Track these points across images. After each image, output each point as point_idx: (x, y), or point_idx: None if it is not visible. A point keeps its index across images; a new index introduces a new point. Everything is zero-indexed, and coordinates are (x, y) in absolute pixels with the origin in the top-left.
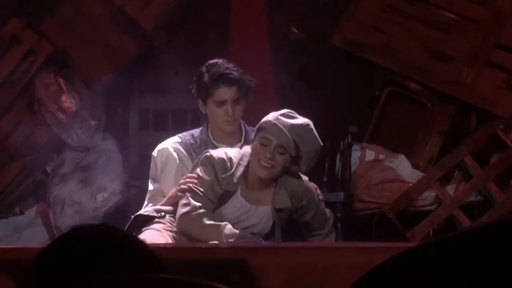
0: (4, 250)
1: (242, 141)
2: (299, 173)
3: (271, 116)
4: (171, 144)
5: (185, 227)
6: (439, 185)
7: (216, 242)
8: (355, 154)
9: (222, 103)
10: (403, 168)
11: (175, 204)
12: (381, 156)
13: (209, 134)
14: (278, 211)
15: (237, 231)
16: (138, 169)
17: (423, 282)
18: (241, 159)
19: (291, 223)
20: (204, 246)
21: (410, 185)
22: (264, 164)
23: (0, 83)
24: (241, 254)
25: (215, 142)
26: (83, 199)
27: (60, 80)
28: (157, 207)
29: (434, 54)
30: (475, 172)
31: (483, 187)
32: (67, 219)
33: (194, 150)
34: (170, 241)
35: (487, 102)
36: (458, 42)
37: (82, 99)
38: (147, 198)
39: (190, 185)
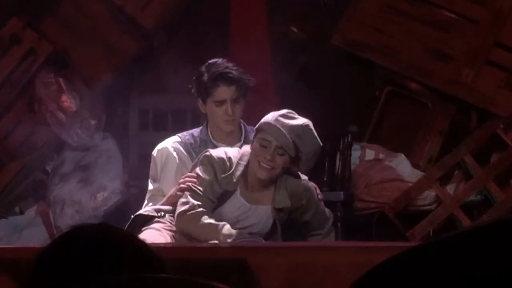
0: (4, 249)
1: (242, 141)
2: (299, 173)
3: (270, 117)
4: (171, 144)
5: (183, 226)
6: (439, 184)
7: (216, 241)
8: (355, 153)
9: (221, 102)
10: (403, 167)
11: (174, 204)
12: (381, 156)
13: (209, 133)
14: (278, 210)
15: (235, 231)
16: (138, 169)
17: (423, 282)
18: (240, 158)
19: (290, 223)
20: (204, 245)
21: (410, 184)
22: (264, 165)
23: (0, 82)
24: (241, 253)
25: (214, 142)
26: (83, 199)
27: (60, 79)
28: (157, 206)
29: (434, 53)
30: (475, 171)
31: (483, 187)
32: (67, 219)
33: (194, 149)
34: (170, 240)
35: (487, 101)
36: (458, 41)
37: (82, 98)
38: (147, 197)
39: (190, 184)
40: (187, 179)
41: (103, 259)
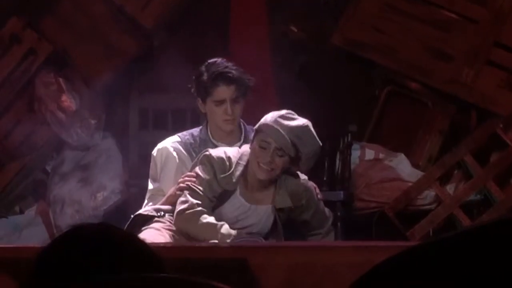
0: (4, 249)
1: (242, 140)
2: (298, 172)
3: (269, 118)
4: (170, 144)
5: (182, 225)
6: (439, 184)
7: (216, 241)
8: (355, 153)
9: (221, 102)
10: (403, 167)
11: (174, 203)
12: (381, 155)
13: (209, 133)
14: (278, 210)
15: (233, 231)
16: (138, 168)
17: (423, 281)
18: (240, 158)
19: (290, 222)
20: (204, 245)
21: (410, 184)
22: (264, 167)
23: (0, 82)
24: (241, 253)
25: (214, 141)
26: (83, 198)
27: (60, 79)
28: (157, 206)
29: (434, 53)
30: (475, 171)
31: (483, 186)
32: (67, 218)
33: (194, 149)
34: (169, 240)
35: (487, 101)
36: (458, 41)
37: (82, 98)
38: (147, 197)
39: (189, 183)
40: (186, 178)
41: (103, 258)
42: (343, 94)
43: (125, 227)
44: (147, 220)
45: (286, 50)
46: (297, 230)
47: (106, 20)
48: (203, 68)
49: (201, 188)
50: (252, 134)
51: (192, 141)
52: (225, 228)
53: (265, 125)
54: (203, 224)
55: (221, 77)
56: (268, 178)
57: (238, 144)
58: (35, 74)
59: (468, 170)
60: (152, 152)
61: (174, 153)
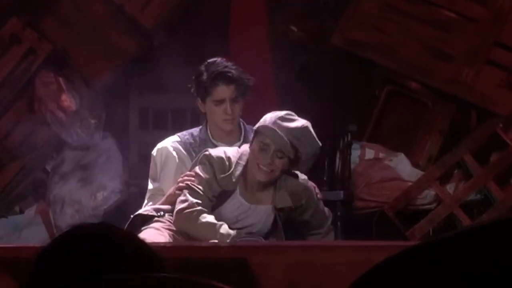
0: (4, 249)
1: (241, 140)
2: (298, 172)
3: (268, 119)
4: (170, 143)
5: (181, 224)
6: (439, 184)
7: (216, 240)
8: (355, 152)
9: (220, 101)
10: (403, 166)
11: (173, 203)
12: (381, 155)
13: (208, 133)
14: (278, 210)
15: (232, 231)
16: (138, 168)
17: (423, 281)
18: (239, 158)
19: (289, 222)
20: (204, 244)
21: (410, 183)
22: (264, 168)
23: (0, 82)
24: (241, 253)
25: (214, 141)
26: (83, 198)
27: (60, 79)
28: (156, 206)
29: (434, 53)
30: (475, 170)
31: (483, 186)
32: (67, 218)
33: (194, 149)
34: (169, 240)
35: (487, 100)
36: (458, 41)
37: (82, 98)
38: (146, 197)
39: (188, 183)
40: (186, 178)
41: (103, 258)
42: (343, 94)
43: (125, 227)
44: (146, 220)
45: (286, 50)
46: (296, 230)
47: (106, 20)
48: (202, 67)
49: (200, 188)
50: (252, 134)
51: (191, 141)
52: (224, 228)
53: (264, 127)
54: (203, 224)
55: (221, 76)
56: (268, 180)
57: (238, 144)
58: (35, 74)
59: (468, 169)
60: (152, 152)
61: (174, 153)
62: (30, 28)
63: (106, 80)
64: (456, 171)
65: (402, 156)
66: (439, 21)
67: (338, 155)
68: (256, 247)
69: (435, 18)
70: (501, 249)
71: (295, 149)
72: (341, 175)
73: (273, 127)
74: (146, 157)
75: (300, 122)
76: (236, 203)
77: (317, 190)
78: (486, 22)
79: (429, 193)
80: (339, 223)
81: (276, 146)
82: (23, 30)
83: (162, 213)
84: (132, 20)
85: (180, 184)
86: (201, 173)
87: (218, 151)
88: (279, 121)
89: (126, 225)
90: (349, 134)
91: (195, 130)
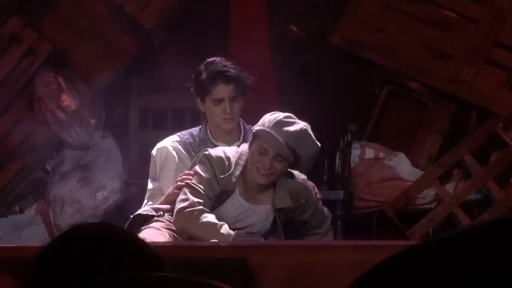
0: (4, 248)
1: (241, 140)
2: (298, 172)
3: (267, 123)
4: (170, 143)
5: (182, 223)
6: (439, 183)
7: (216, 240)
8: (355, 152)
9: (220, 101)
10: (403, 166)
11: (173, 202)
12: (380, 154)
13: (208, 132)
14: (278, 210)
15: (233, 232)
16: (138, 168)
17: (423, 281)
18: (239, 158)
19: (288, 222)
20: (204, 244)
21: (410, 183)
22: (263, 172)
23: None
24: (241, 252)
25: (213, 141)
26: (83, 198)
27: (60, 78)
28: (155, 206)
29: (434, 53)
30: (475, 170)
31: (483, 185)
32: (67, 218)
33: (193, 148)
34: (169, 239)
35: (487, 100)
36: (458, 40)
37: (82, 97)
38: (146, 196)
39: (188, 182)
40: (184, 177)
41: (103, 258)
42: (343, 94)
43: (125, 227)
44: (146, 220)
45: (286, 50)
46: (296, 230)
47: (106, 20)
48: (201, 67)
49: (201, 187)
50: (251, 134)
51: (191, 140)
52: (225, 229)
53: (263, 131)
54: (204, 223)
55: (220, 76)
56: (267, 183)
57: (237, 143)
58: (35, 74)
59: (468, 169)
60: (152, 152)
61: (174, 153)
62: (30, 28)
63: (106, 80)
64: (456, 170)
65: (402, 156)
66: (439, 21)
67: (338, 154)
68: (256, 246)
69: (435, 18)
70: (501, 249)
71: (294, 153)
72: (341, 175)
73: (271, 131)
74: (146, 157)
75: (299, 125)
76: (235, 203)
77: (316, 190)
78: (486, 22)
79: (429, 193)
80: (339, 223)
81: (275, 151)
82: (23, 30)
83: (161, 212)
84: (132, 20)
85: (179, 183)
86: (201, 172)
87: (217, 151)
88: (277, 125)
89: (126, 225)
90: (349, 133)
91: (195, 130)
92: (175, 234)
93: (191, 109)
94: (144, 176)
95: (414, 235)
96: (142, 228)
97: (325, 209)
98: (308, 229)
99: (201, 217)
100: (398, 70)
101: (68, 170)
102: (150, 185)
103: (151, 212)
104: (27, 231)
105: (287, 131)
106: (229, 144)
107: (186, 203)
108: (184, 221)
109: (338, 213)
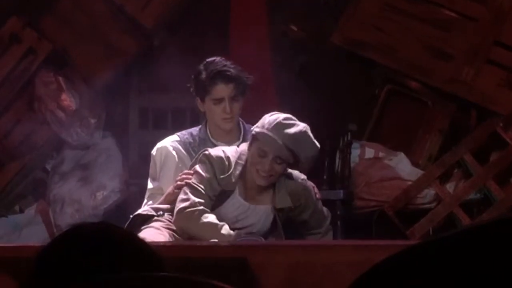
0: (4, 248)
1: (241, 139)
2: (297, 172)
3: (266, 124)
4: (170, 143)
5: (183, 223)
6: (439, 183)
7: (216, 240)
8: (355, 152)
9: (219, 100)
10: (403, 166)
11: (172, 202)
12: (380, 154)
13: (208, 132)
14: (277, 210)
15: (233, 232)
16: (138, 168)
17: (423, 280)
18: (239, 158)
19: (288, 222)
20: (204, 244)
21: (410, 183)
22: (263, 174)
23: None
24: (241, 252)
25: (213, 140)
26: (83, 197)
27: (60, 78)
28: (155, 205)
29: (434, 52)
30: (475, 170)
31: (483, 185)
32: (67, 217)
33: (193, 148)
34: (169, 239)
35: (486, 100)
36: (457, 40)
37: (82, 97)
38: (146, 196)
39: (189, 181)
40: (184, 176)
41: (103, 257)
42: (343, 93)
43: (125, 227)
44: (146, 219)
45: (286, 50)
46: (296, 230)
47: (106, 19)
48: (201, 67)
49: (202, 187)
50: (251, 133)
51: (191, 140)
52: (226, 229)
53: (262, 133)
54: (204, 224)
55: (220, 75)
56: (267, 184)
57: (237, 143)
58: (35, 74)
59: (468, 169)
60: (152, 152)
61: (174, 152)
62: (30, 27)
63: (106, 80)
64: (456, 170)
65: (402, 155)
66: (439, 21)
67: (338, 154)
68: (256, 246)
69: (435, 17)
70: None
71: (294, 155)
72: (341, 174)
73: (271, 134)
74: (146, 157)
75: (298, 127)
76: (235, 203)
77: (316, 190)
78: (486, 21)
79: (429, 192)
80: (339, 222)
81: (274, 153)
82: (23, 30)
83: (161, 212)
84: (132, 20)
85: (179, 183)
86: (202, 172)
87: (217, 151)
88: (277, 128)
89: (126, 225)
90: (349, 133)
91: (195, 130)
92: (175, 234)
93: (191, 109)
94: (144, 176)
95: (414, 235)
96: (142, 228)
97: (324, 209)
98: (307, 229)
99: (202, 218)
100: (398, 70)
101: (68, 170)
102: (150, 185)
103: (151, 212)
104: (27, 231)
105: (286, 134)
106: (229, 143)
107: (187, 203)
108: (185, 221)
109: (338, 212)
